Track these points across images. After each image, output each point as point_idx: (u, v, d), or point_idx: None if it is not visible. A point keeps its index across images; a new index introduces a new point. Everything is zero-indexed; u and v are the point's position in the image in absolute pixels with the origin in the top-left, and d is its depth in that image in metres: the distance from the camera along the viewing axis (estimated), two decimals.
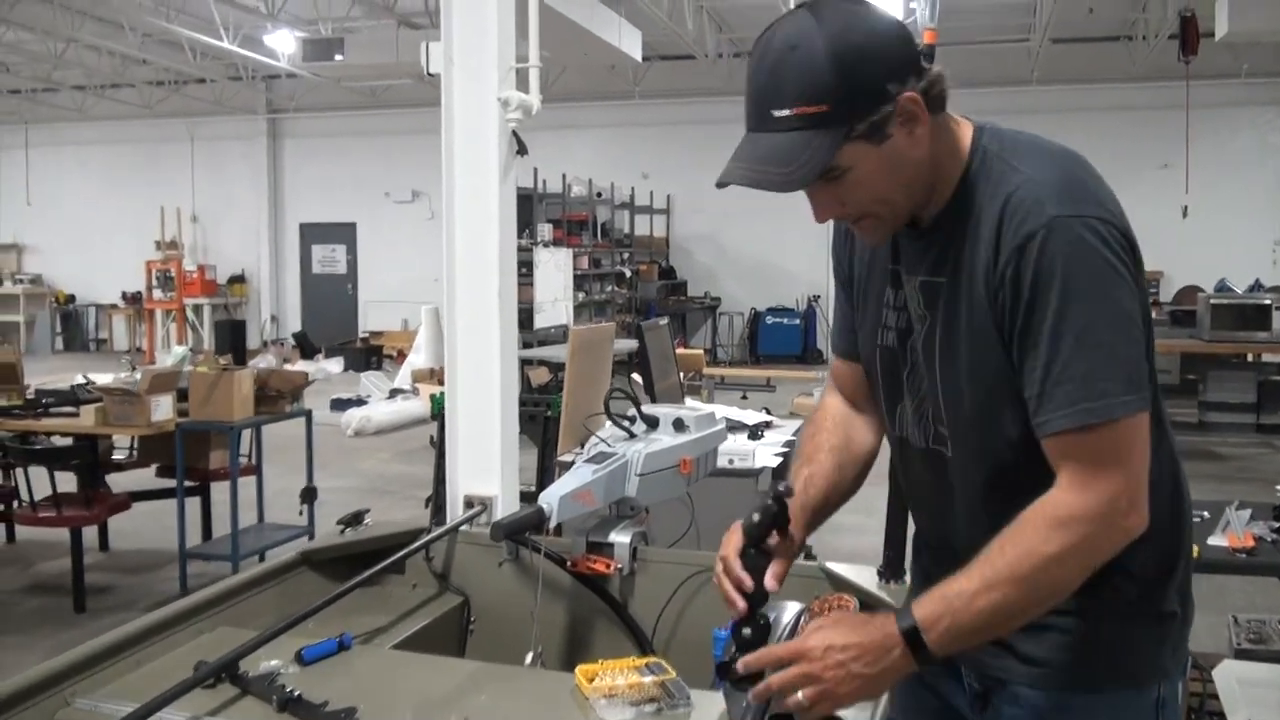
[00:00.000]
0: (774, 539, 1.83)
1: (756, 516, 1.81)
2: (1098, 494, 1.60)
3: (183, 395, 6.44)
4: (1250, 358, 11.34)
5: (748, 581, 1.77)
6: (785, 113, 1.60)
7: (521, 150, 4.91)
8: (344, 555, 2.85)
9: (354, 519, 2.89)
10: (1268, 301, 10.43)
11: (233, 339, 9.23)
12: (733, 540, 1.83)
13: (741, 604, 1.78)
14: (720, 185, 1.67)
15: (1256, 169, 17.45)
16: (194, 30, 15.21)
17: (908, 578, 2.59)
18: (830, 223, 1.84)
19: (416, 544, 2.75)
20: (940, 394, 1.77)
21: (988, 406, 1.72)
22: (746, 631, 1.77)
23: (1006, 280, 1.64)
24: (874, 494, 2.24)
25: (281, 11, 14.60)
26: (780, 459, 5.07)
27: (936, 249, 1.75)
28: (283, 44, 15.62)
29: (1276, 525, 3.78)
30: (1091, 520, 1.59)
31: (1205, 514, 3.85)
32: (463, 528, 3.01)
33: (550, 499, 2.47)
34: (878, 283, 1.88)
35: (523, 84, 4.85)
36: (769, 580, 1.80)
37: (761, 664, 1.69)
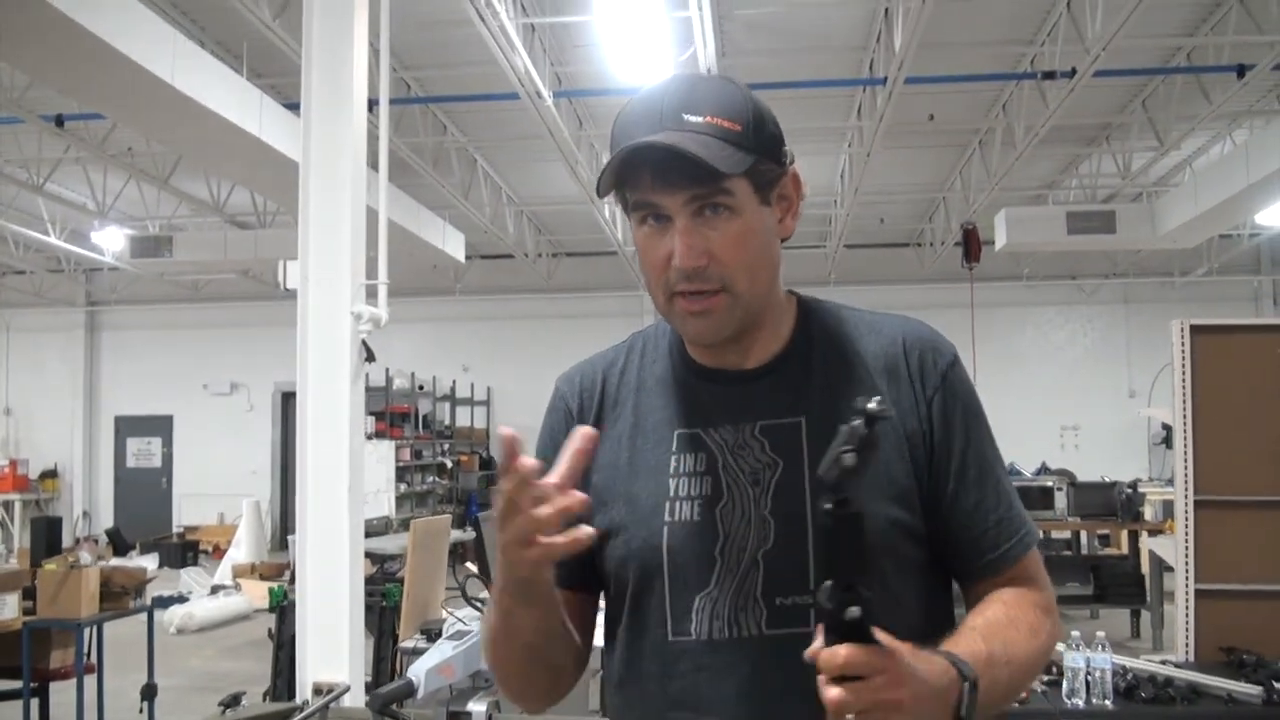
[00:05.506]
0: None
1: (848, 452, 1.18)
2: (1051, 597, 1.62)
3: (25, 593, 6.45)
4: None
5: None
6: (699, 119, 1.48)
7: (370, 358, 5.36)
8: None
9: (233, 700, 3.18)
10: (1050, 484, 11.30)
11: (49, 536, 9.12)
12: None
13: None
14: (627, 165, 1.47)
15: (1041, 363, 18.80)
16: (20, 225, 15.17)
17: None
18: None
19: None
20: (813, 547, 1.49)
21: (886, 543, 1.51)
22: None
23: (934, 412, 1.57)
24: None
25: (110, 209, 14.72)
26: None
27: (784, 389, 1.59)
28: (111, 241, 15.61)
29: (1044, 677, 4.30)
30: (1056, 616, 1.60)
31: None
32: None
33: (418, 672, 2.84)
34: (650, 457, 1.61)
35: (372, 298, 5.34)
36: None
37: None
